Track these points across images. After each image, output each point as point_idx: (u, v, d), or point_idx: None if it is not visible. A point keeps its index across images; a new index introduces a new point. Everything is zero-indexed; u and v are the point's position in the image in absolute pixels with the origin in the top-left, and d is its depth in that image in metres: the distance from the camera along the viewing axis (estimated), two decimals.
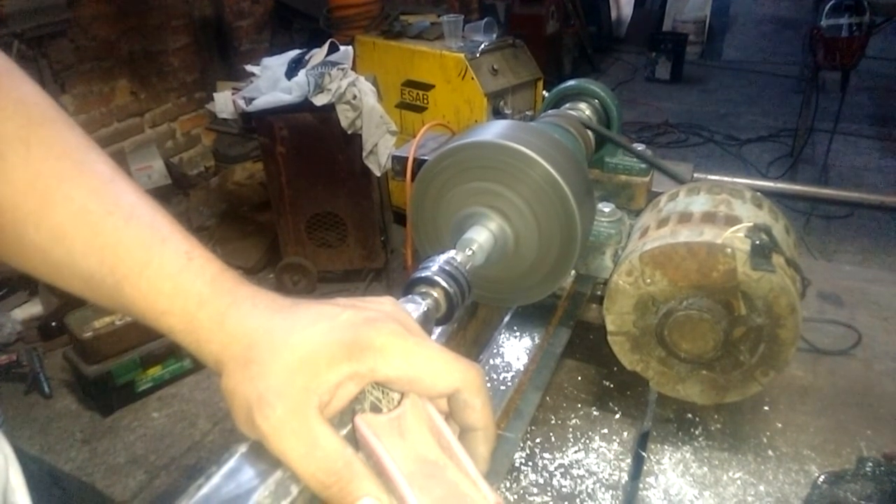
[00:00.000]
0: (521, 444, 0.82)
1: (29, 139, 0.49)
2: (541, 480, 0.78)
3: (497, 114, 3.37)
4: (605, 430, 0.85)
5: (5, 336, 2.97)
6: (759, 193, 0.92)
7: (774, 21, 8.06)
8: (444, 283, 0.65)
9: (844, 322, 1.05)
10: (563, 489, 0.77)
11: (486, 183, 0.80)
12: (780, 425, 0.86)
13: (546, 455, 0.81)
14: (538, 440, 0.84)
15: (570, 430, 0.86)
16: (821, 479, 0.74)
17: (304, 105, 2.90)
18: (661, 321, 0.82)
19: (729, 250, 0.77)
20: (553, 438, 0.84)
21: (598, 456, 0.81)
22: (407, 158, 1.20)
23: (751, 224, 0.79)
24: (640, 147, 1.12)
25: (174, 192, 4.21)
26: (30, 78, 0.53)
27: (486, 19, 3.66)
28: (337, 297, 0.51)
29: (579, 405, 0.90)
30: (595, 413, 0.89)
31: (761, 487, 0.76)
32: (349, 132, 2.97)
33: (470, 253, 0.74)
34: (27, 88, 0.53)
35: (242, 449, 0.49)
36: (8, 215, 0.49)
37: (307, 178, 3.16)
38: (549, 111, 1.12)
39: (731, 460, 0.80)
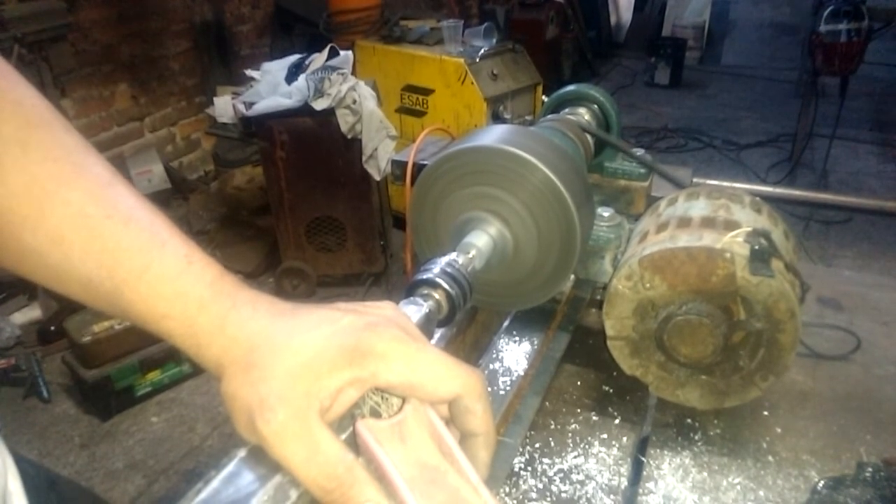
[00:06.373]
0: (521, 449, 0.82)
1: (26, 142, 0.49)
2: (540, 485, 0.78)
3: (496, 118, 3.37)
4: (605, 435, 0.85)
5: (4, 340, 2.97)
6: (758, 198, 0.92)
7: (773, 26, 8.08)
8: (445, 285, 0.65)
9: (844, 327, 1.05)
10: (563, 494, 0.76)
11: (485, 187, 0.80)
12: (779, 430, 0.86)
13: (545, 460, 0.81)
14: (537, 445, 0.84)
15: (570, 434, 0.86)
16: (820, 484, 0.74)
17: (304, 109, 2.90)
18: (660, 326, 0.82)
19: (728, 255, 0.77)
20: (552, 443, 0.84)
21: (597, 461, 0.81)
22: (406, 163, 1.20)
23: (750, 229, 0.79)
24: (639, 152, 1.12)
25: (174, 197, 4.22)
26: (27, 81, 0.53)
27: (485, 24, 3.66)
28: (337, 301, 0.50)
29: (579, 410, 0.90)
30: (594, 418, 0.88)
31: (761, 493, 0.76)
32: (349, 137, 2.97)
33: (470, 256, 0.74)
34: (24, 91, 0.52)
35: (241, 453, 0.49)
36: (4, 218, 0.48)
37: (307, 183, 3.16)
38: (549, 116, 1.12)
39: (730, 465, 0.80)
